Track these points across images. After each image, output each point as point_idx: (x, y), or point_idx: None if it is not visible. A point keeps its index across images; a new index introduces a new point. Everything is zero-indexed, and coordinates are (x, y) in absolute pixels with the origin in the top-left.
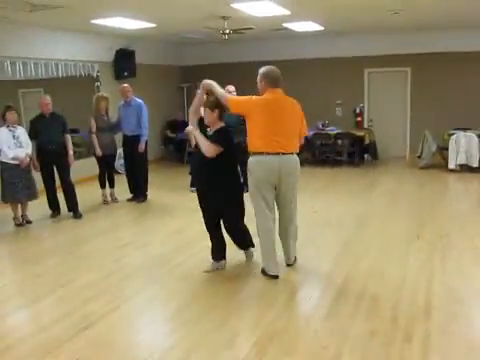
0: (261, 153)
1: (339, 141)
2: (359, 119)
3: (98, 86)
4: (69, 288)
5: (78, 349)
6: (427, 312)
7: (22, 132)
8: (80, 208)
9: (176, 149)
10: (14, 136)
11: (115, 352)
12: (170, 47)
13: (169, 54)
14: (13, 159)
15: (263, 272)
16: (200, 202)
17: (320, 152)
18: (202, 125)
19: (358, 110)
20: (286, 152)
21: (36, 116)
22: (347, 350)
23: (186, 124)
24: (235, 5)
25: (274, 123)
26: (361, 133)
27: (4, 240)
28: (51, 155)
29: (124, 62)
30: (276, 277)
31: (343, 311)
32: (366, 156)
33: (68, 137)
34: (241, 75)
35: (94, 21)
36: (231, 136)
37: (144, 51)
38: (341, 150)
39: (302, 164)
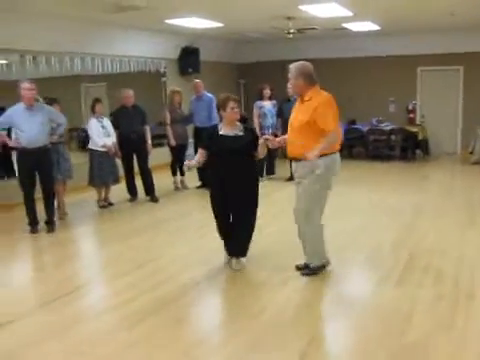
0: (334, 153)
1: (392, 137)
2: (411, 116)
3: (165, 81)
4: (165, 258)
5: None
6: None
7: (108, 122)
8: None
9: None
10: (102, 126)
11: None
12: (229, 45)
13: (228, 52)
14: (102, 147)
15: (322, 267)
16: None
17: (374, 147)
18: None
19: (411, 107)
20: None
21: (118, 108)
22: (418, 311)
23: (243, 118)
24: (302, 7)
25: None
26: (414, 129)
27: (93, 219)
28: (132, 144)
29: (189, 59)
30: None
31: (411, 280)
32: (418, 151)
33: (147, 128)
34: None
35: (168, 21)
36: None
37: (207, 49)
38: (394, 145)
39: (356, 158)
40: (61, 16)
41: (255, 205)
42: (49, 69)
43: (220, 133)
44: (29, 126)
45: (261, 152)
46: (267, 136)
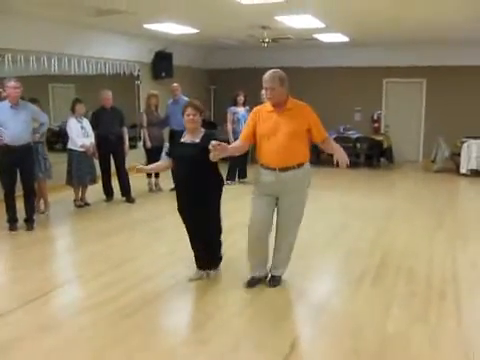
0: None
1: (358, 145)
2: (376, 125)
3: (138, 85)
4: (143, 258)
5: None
6: (455, 279)
7: (87, 123)
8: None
9: None
10: (82, 126)
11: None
12: (201, 51)
13: (200, 58)
14: (81, 147)
15: None
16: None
17: None
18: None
19: (376, 116)
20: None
21: (98, 109)
22: (394, 307)
23: (212, 124)
24: (278, 17)
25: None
26: (380, 138)
27: (71, 218)
28: (109, 145)
29: (162, 63)
30: None
31: (386, 280)
32: (382, 159)
33: (125, 129)
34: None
35: (146, 25)
36: None
37: (180, 54)
38: (360, 153)
39: (322, 165)
40: (40, 17)
41: (215, 218)
42: (26, 68)
43: (181, 140)
44: (13, 124)
45: (212, 157)
46: (214, 143)
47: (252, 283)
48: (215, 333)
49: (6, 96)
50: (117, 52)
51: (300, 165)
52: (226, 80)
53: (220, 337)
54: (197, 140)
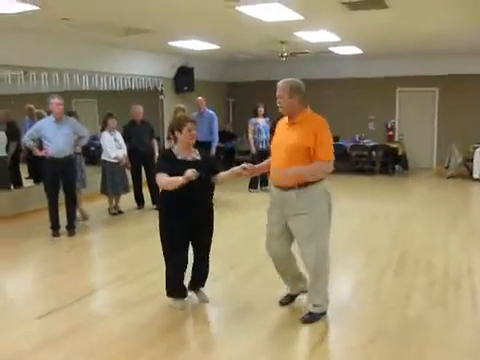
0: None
1: (374, 152)
2: (390, 133)
3: (162, 99)
4: None
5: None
6: (470, 271)
7: (119, 136)
8: None
9: (225, 157)
10: (115, 139)
11: None
12: (221, 65)
13: (220, 71)
14: (115, 158)
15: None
16: (186, 237)
17: (356, 162)
18: None
19: (390, 125)
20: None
21: (129, 122)
22: (415, 293)
23: (231, 135)
24: (297, 33)
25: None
26: (395, 145)
27: (107, 225)
28: (140, 156)
29: (184, 78)
30: None
31: (406, 272)
32: (397, 167)
33: (154, 141)
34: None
35: (171, 43)
36: None
37: (201, 68)
38: (375, 160)
39: (339, 172)
40: (69, 37)
41: (211, 236)
42: (50, 85)
43: (178, 158)
44: (57, 138)
45: (226, 178)
46: (245, 165)
47: (284, 302)
48: (254, 324)
49: (50, 111)
50: (142, 68)
51: (304, 185)
52: (245, 93)
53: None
54: (198, 157)
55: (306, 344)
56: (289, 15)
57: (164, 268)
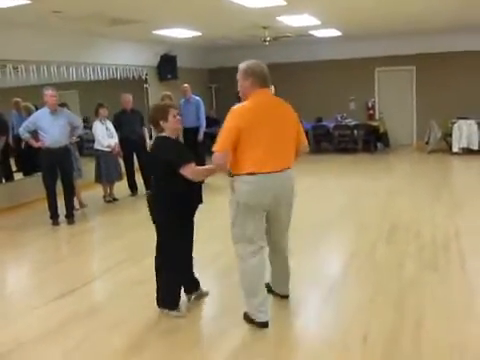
0: (252, 173)
1: (355, 131)
2: (371, 112)
3: (146, 87)
4: None
5: None
6: (457, 235)
7: (110, 125)
8: None
9: (211, 142)
10: (106, 128)
11: None
12: (202, 52)
13: (201, 58)
14: (107, 147)
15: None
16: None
17: (338, 141)
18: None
19: (370, 104)
20: (283, 168)
21: (119, 111)
22: (408, 258)
23: (215, 120)
24: (279, 18)
25: (269, 135)
26: (376, 124)
27: (104, 213)
28: (132, 144)
29: (167, 66)
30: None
31: (398, 239)
32: (379, 144)
33: (145, 129)
34: None
35: (155, 32)
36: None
37: (183, 56)
38: (357, 139)
39: (323, 153)
40: (55, 28)
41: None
42: (36, 77)
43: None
44: (53, 128)
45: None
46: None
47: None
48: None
49: (45, 103)
50: (126, 58)
51: (231, 175)
52: (227, 78)
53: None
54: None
55: (313, 306)
56: (272, 1)
57: None
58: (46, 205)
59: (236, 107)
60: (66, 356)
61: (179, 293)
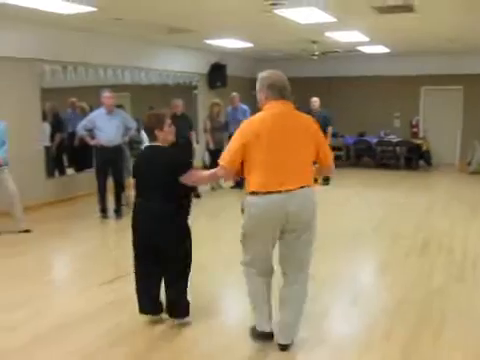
0: (257, 192)
1: (398, 148)
2: (415, 130)
3: (196, 94)
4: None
5: None
6: None
7: None
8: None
9: None
10: None
11: None
12: (251, 62)
13: (250, 68)
14: None
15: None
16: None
17: (380, 157)
18: None
19: (414, 122)
20: (296, 187)
21: (169, 116)
22: (437, 270)
23: None
24: (328, 33)
25: (278, 150)
26: (418, 141)
27: None
28: (179, 147)
29: (217, 74)
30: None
31: (429, 253)
32: (421, 162)
33: (193, 133)
34: (308, 89)
35: (207, 41)
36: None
37: (232, 65)
38: (399, 156)
39: (364, 167)
40: (113, 34)
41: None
42: (93, 79)
43: None
44: (108, 128)
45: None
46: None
47: None
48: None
49: (102, 104)
50: (178, 64)
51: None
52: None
53: None
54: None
55: (341, 307)
56: (323, 17)
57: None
58: (96, 199)
59: (246, 122)
60: (97, 340)
61: None
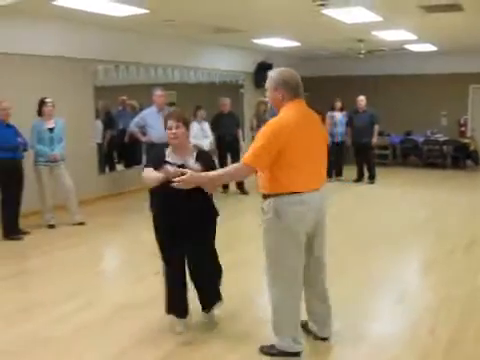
0: (297, 192)
1: (445, 147)
2: (462, 129)
3: (242, 92)
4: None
5: None
6: None
7: (207, 126)
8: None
9: None
10: (202, 128)
11: None
12: (297, 61)
13: (296, 67)
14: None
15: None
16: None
17: (427, 156)
18: None
19: (462, 121)
20: (320, 187)
21: (217, 114)
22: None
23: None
24: (375, 32)
25: (310, 149)
26: (466, 141)
27: None
28: (226, 144)
29: (263, 73)
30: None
31: (474, 251)
32: (468, 161)
33: (240, 131)
34: (354, 88)
35: (254, 40)
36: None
37: (278, 64)
38: (446, 155)
39: (410, 166)
40: (163, 34)
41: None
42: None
43: (166, 159)
44: (159, 125)
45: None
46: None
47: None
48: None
49: (154, 102)
50: (225, 63)
51: (265, 197)
52: (319, 87)
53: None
54: (191, 161)
55: (385, 304)
56: (370, 17)
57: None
58: (147, 194)
59: (276, 122)
60: (147, 326)
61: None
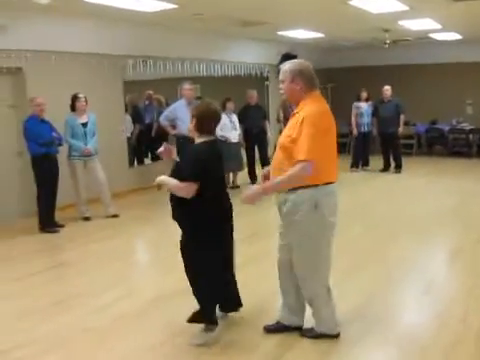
0: (331, 182)
1: (471, 136)
2: None
3: (267, 84)
4: None
5: None
6: None
7: (235, 118)
8: None
9: None
10: (230, 120)
11: None
12: (321, 52)
13: (319, 58)
14: (222, 137)
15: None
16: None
17: (453, 145)
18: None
19: None
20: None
21: (244, 106)
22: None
23: None
24: (401, 22)
25: (334, 141)
26: None
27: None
28: (254, 136)
29: None
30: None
31: None
32: None
33: (267, 123)
34: (379, 78)
35: (279, 32)
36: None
37: (303, 55)
38: (471, 144)
39: (436, 155)
40: (190, 28)
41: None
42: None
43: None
44: (188, 118)
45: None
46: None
47: (271, 329)
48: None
49: (183, 95)
50: (250, 56)
51: (292, 190)
52: (344, 78)
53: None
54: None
55: (412, 294)
56: (396, 6)
57: None
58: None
59: (314, 111)
60: (179, 319)
61: None
